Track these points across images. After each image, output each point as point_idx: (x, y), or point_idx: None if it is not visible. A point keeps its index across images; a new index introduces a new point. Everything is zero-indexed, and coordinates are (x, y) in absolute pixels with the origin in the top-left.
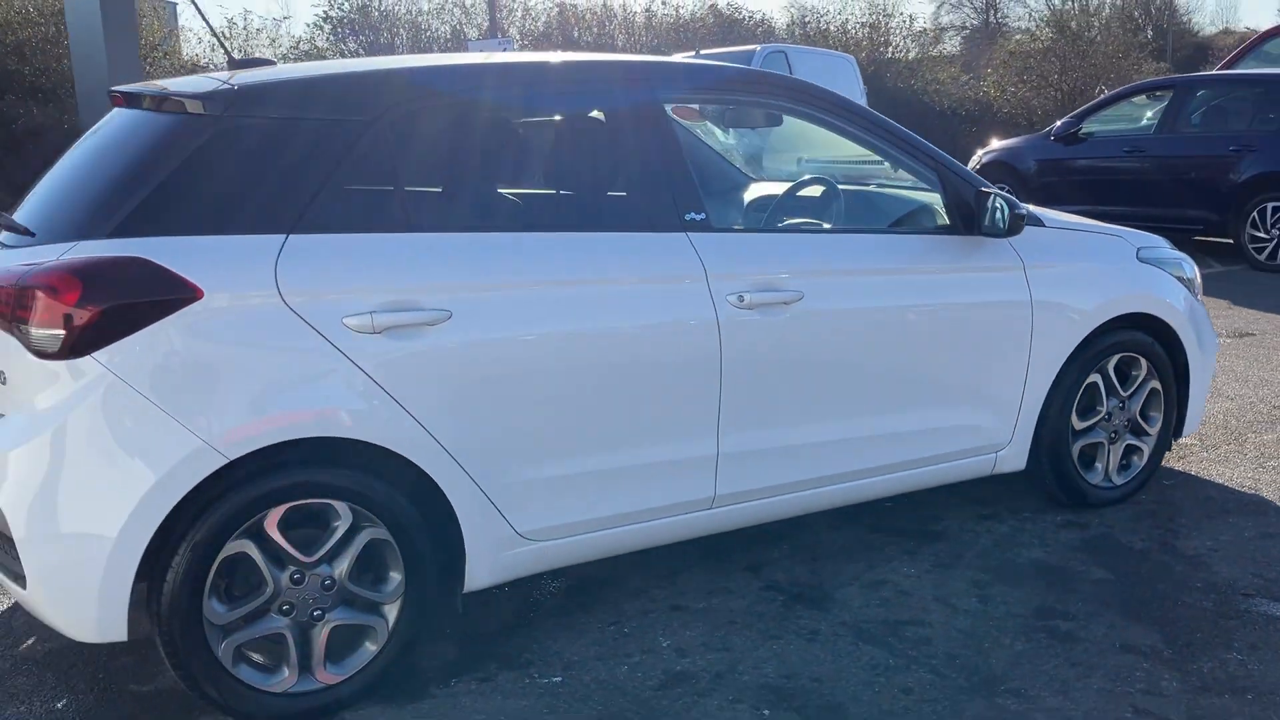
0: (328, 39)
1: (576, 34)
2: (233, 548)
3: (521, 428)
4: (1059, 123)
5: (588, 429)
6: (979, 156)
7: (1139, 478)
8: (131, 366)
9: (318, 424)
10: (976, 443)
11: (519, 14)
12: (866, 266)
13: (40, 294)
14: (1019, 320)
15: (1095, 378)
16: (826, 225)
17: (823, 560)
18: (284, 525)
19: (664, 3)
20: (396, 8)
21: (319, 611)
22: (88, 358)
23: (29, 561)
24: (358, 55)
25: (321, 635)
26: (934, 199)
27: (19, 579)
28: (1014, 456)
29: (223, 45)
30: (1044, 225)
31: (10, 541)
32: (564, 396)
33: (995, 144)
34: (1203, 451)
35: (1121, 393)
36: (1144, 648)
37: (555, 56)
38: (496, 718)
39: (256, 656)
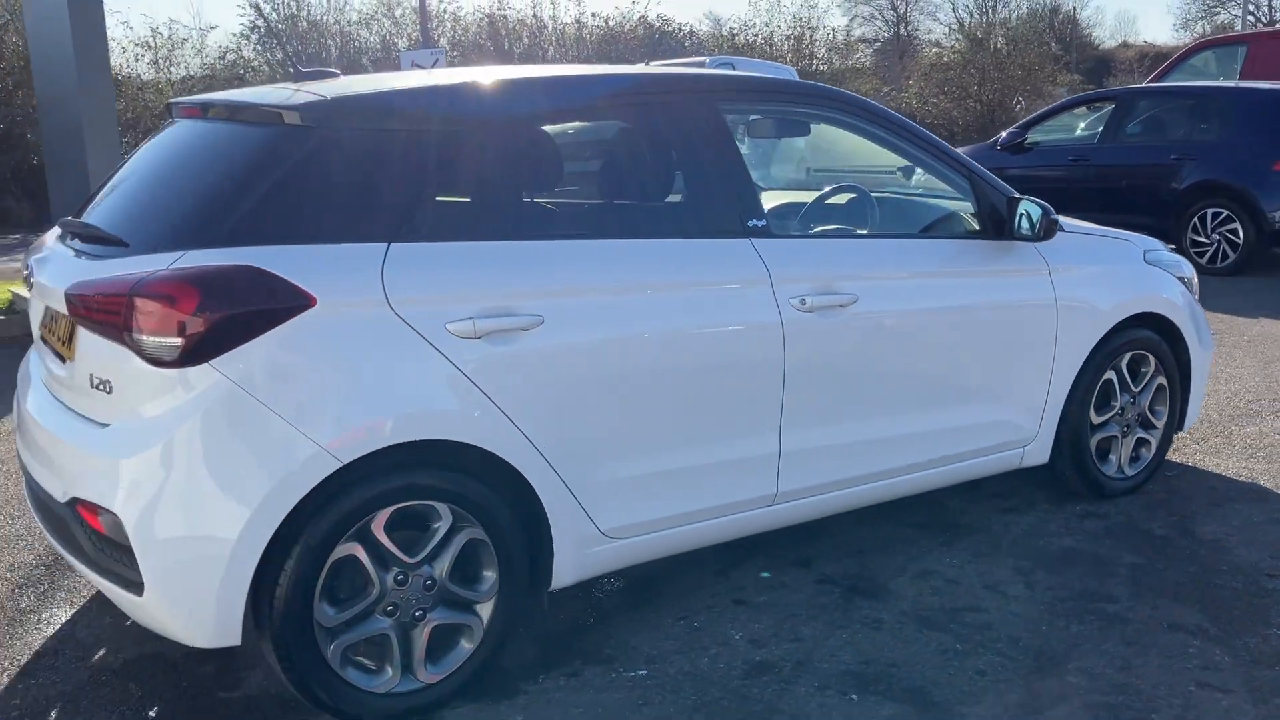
0: (255, 49)
1: (508, 45)
2: (342, 550)
3: (605, 428)
4: (1004, 133)
5: (664, 428)
6: None
7: (1148, 469)
8: (248, 373)
9: (425, 427)
10: (1007, 438)
11: (449, 24)
12: (910, 270)
13: (158, 303)
14: (1046, 320)
15: (1110, 374)
16: (862, 231)
17: (867, 554)
18: (389, 527)
19: (593, 15)
20: (325, 18)
21: (420, 612)
22: (205, 365)
23: (148, 569)
24: (285, 65)
25: (423, 635)
26: (957, 205)
27: (134, 586)
28: (1039, 451)
29: (291, 62)
30: (1064, 230)
31: (125, 550)
32: (643, 397)
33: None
34: (1194, 444)
35: (1133, 388)
36: (1190, 626)
37: (625, 69)
38: (593, 710)
39: (360, 658)
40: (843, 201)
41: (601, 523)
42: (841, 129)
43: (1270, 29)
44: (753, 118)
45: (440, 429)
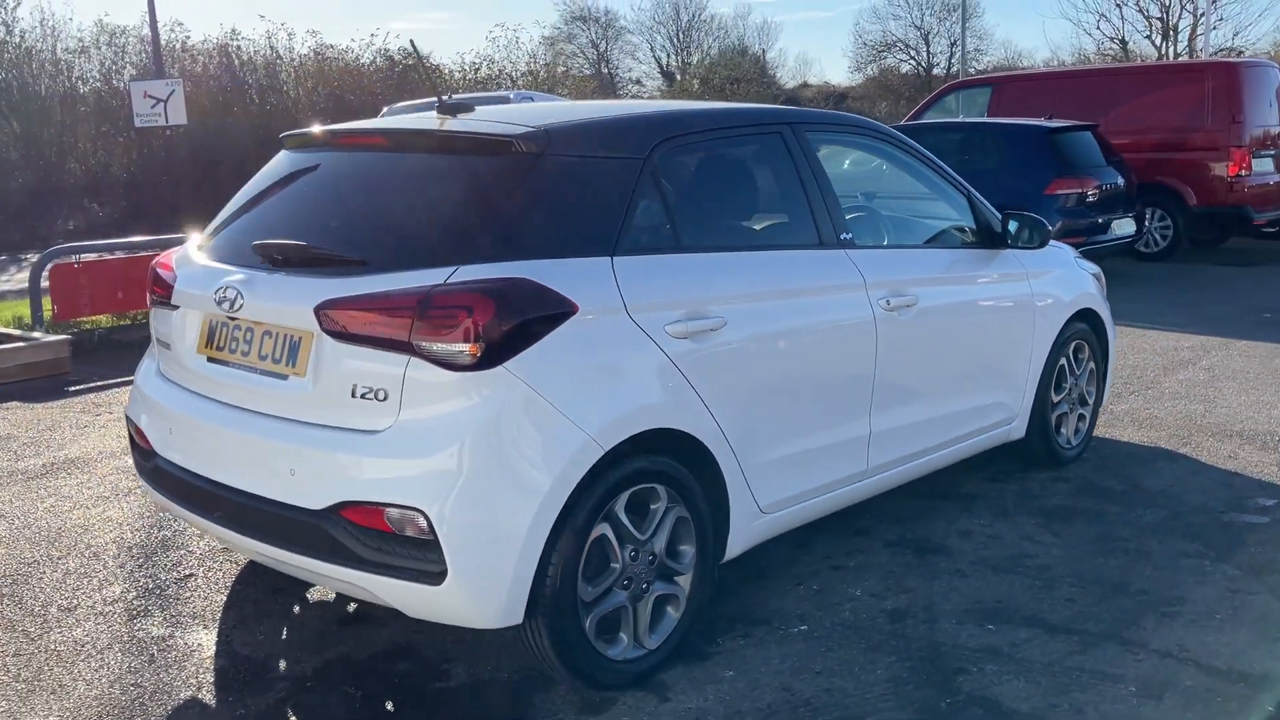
0: None
1: (243, 75)
2: (596, 531)
3: (766, 415)
4: None
5: (803, 414)
6: None
7: (1085, 440)
8: (533, 373)
9: (656, 417)
10: (1003, 415)
11: (179, 54)
12: (944, 275)
13: (458, 313)
14: (1028, 315)
15: (1063, 360)
16: (899, 243)
17: (909, 522)
18: (626, 509)
19: (331, 47)
20: (39, 45)
21: (646, 584)
22: (500, 368)
23: (453, 557)
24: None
25: (647, 606)
26: (942, 221)
27: (430, 577)
28: (1020, 427)
29: (436, 90)
30: None
31: (422, 543)
32: (790, 387)
33: None
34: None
35: (1075, 371)
36: (1194, 553)
37: (749, 106)
38: (789, 659)
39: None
40: (860, 216)
41: (761, 499)
42: (880, 156)
43: (1013, 72)
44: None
45: (665, 419)
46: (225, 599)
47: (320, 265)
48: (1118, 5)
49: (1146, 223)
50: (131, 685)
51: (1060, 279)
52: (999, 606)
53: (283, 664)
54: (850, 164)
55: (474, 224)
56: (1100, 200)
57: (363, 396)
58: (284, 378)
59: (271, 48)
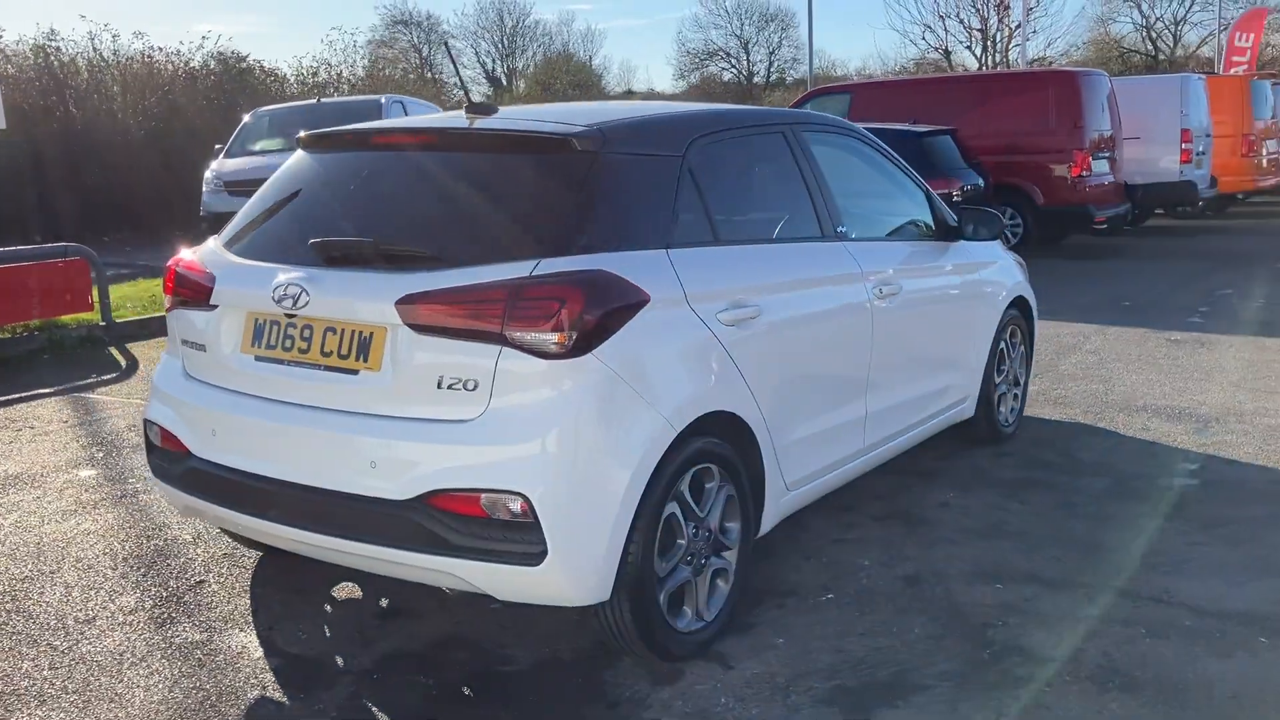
0: None
1: (65, 78)
2: (667, 510)
3: (790, 398)
4: None
5: (818, 396)
6: None
7: (1018, 417)
8: (618, 360)
9: (715, 400)
10: (960, 396)
11: None
12: (918, 266)
13: (551, 303)
14: (980, 302)
15: (1003, 344)
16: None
17: (887, 498)
18: (688, 488)
19: (160, 49)
20: None
21: (704, 560)
22: (589, 355)
23: (554, 538)
24: None
25: (705, 580)
26: (906, 215)
27: (528, 558)
28: (970, 407)
29: (465, 92)
30: None
31: (519, 526)
32: (808, 372)
33: None
34: None
35: (1011, 354)
36: (1147, 513)
37: (756, 107)
38: (830, 624)
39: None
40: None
41: (787, 477)
42: (854, 155)
43: (869, 80)
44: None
45: (722, 402)
46: (249, 602)
47: (390, 262)
48: (941, 17)
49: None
50: (193, 689)
51: (1002, 268)
52: (998, 568)
53: (339, 660)
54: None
55: (546, 219)
56: (964, 200)
57: (449, 387)
58: (354, 373)
59: (95, 49)
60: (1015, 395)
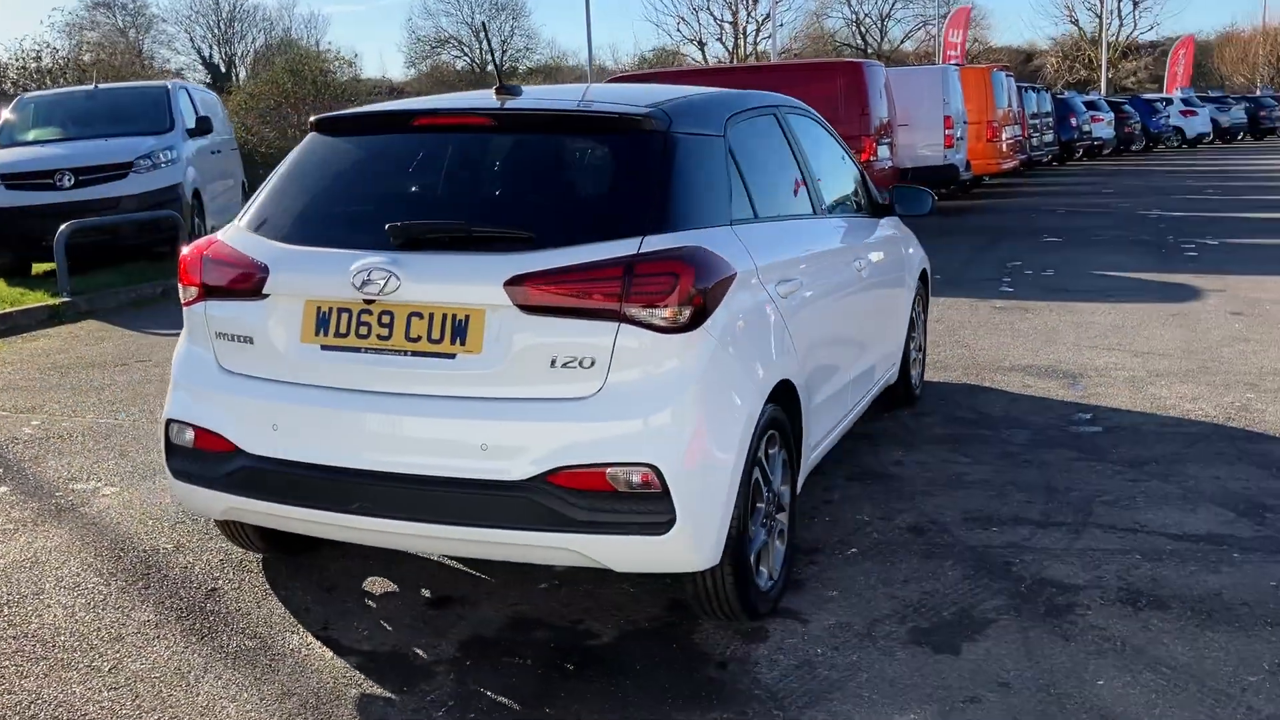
0: None
1: None
2: (754, 474)
3: (815, 365)
4: None
5: (830, 363)
6: None
7: (922, 379)
8: (720, 333)
9: (785, 369)
10: (893, 362)
11: None
12: (873, 240)
13: (667, 279)
14: (905, 274)
15: (914, 313)
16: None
17: (851, 460)
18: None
19: None
20: None
21: (772, 521)
22: (700, 329)
23: (682, 506)
24: None
25: (774, 540)
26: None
27: (654, 528)
28: (895, 373)
29: (498, 72)
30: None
31: (654, 495)
32: (825, 340)
33: None
34: None
35: (919, 322)
36: (1077, 457)
37: (751, 91)
38: (871, 575)
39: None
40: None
41: (811, 440)
42: (815, 134)
43: (667, 70)
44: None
45: (788, 370)
46: (280, 605)
47: (482, 244)
48: (695, 10)
49: None
50: (283, 694)
51: (914, 242)
52: (984, 514)
53: (420, 652)
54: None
55: (633, 198)
56: None
57: (564, 366)
58: (450, 356)
59: None
60: (918, 360)
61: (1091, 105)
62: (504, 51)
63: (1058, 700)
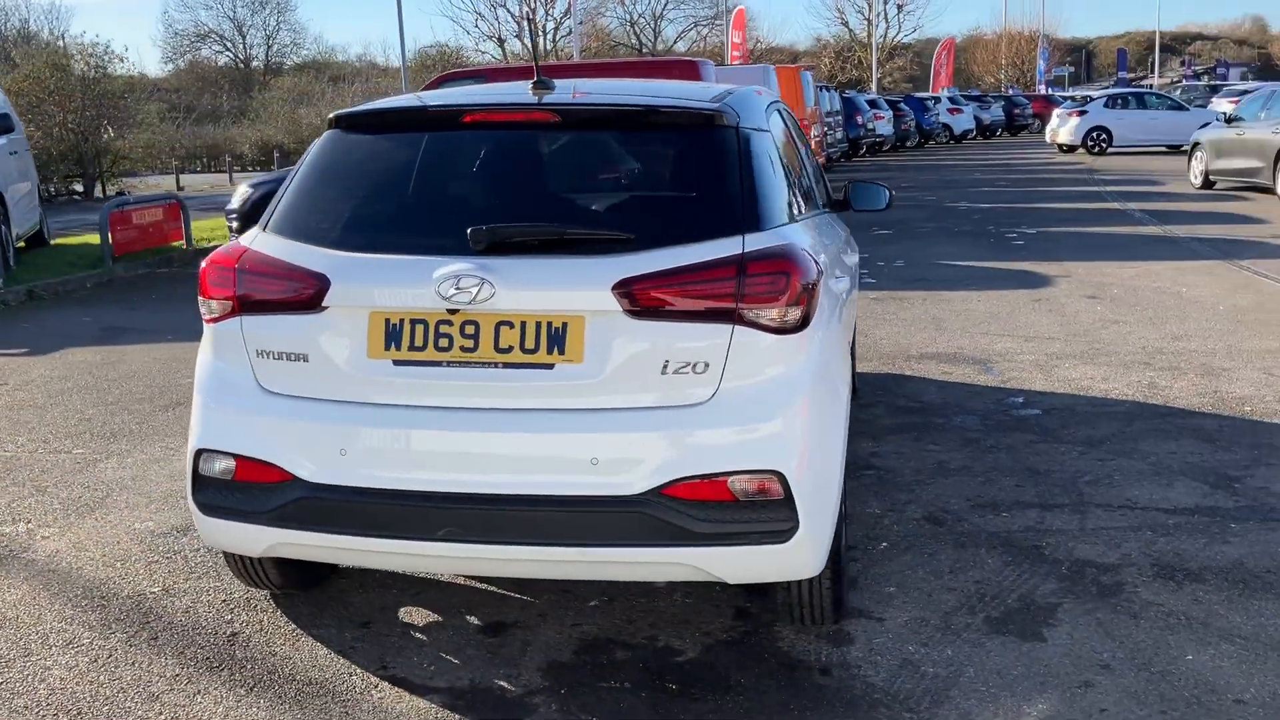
0: None
1: None
2: None
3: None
4: None
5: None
6: (252, 187)
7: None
8: (821, 331)
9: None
10: (852, 357)
11: None
12: (846, 235)
13: (778, 279)
14: (854, 269)
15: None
16: None
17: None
18: None
19: None
20: None
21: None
22: (809, 328)
23: (805, 512)
24: None
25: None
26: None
27: (776, 536)
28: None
29: (535, 63)
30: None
31: (776, 503)
32: (844, 337)
33: (267, 174)
34: None
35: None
36: (1035, 439)
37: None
38: (916, 569)
39: None
40: None
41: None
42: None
43: (503, 65)
44: None
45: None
46: (319, 645)
47: (576, 247)
48: (493, 6)
49: None
50: None
51: (852, 238)
52: (986, 500)
53: (503, 684)
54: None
55: (725, 195)
56: None
57: (676, 371)
58: (548, 367)
59: None
60: (852, 353)
61: (874, 104)
62: (268, 47)
63: (1163, 677)
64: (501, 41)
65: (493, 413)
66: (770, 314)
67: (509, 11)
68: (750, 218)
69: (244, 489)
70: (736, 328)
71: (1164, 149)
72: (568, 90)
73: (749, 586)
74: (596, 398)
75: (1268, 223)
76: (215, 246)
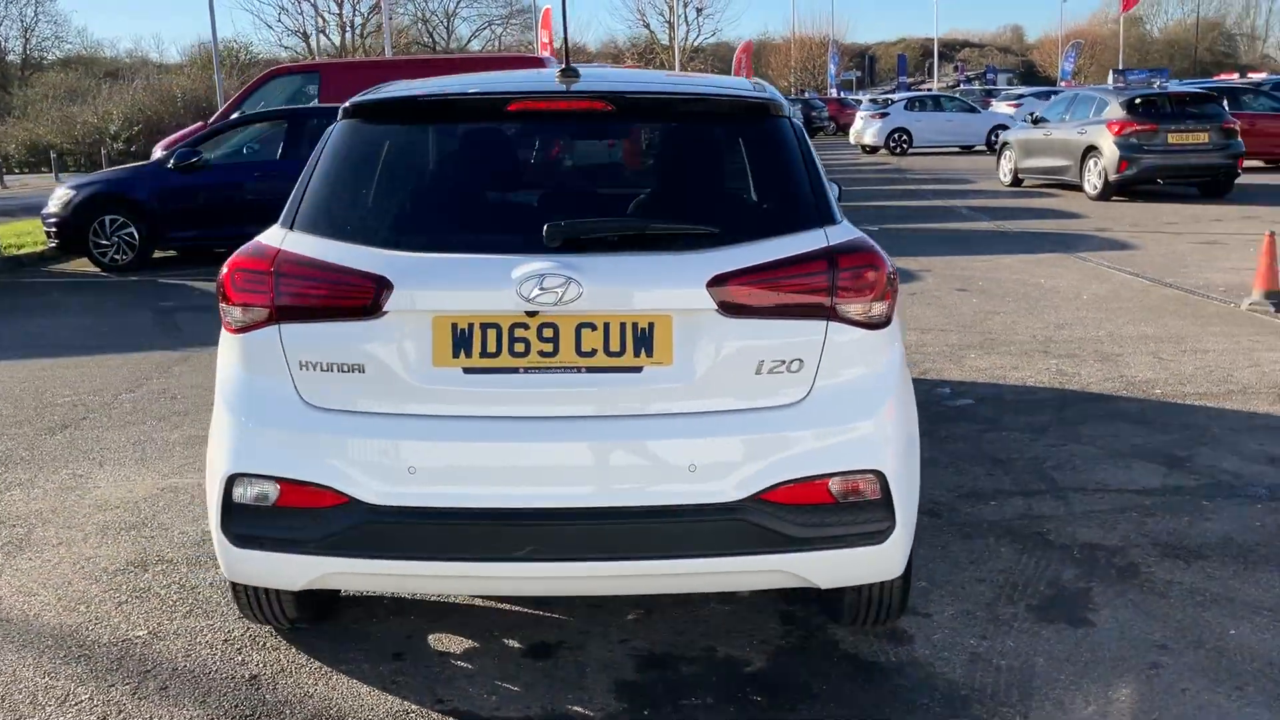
0: None
1: None
2: None
3: None
4: (172, 152)
5: None
6: (73, 189)
7: None
8: (898, 325)
9: None
10: None
11: None
12: None
13: (867, 272)
14: None
15: None
16: None
17: None
18: None
19: None
20: None
21: None
22: (892, 323)
23: (901, 511)
24: None
25: None
26: None
27: (872, 538)
28: None
29: (565, 53)
30: None
31: (874, 503)
32: None
33: (91, 176)
34: None
35: None
36: (982, 429)
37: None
38: (944, 563)
39: None
40: None
41: None
42: None
43: (340, 60)
44: None
45: None
46: (362, 684)
47: (660, 243)
48: (296, 1)
49: None
50: None
51: None
52: (969, 490)
53: (580, 709)
54: None
55: (798, 187)
56: None
57: (770, 371)
58: (636, 370)
59: None
60: None
61: None
62: (26, 40)
63: (1220, 653)
64: (307, 37)
65: (577, 421)
66: (860, 308)
67: (314, 6)
68: (825, 210)
69: (289, 515)
70: (830, 323)
71: (957, 149)
72: (597, 79)
73: (791, 590)
74: (689, 401)
75: (1086, 217)
76: (31, 254)
